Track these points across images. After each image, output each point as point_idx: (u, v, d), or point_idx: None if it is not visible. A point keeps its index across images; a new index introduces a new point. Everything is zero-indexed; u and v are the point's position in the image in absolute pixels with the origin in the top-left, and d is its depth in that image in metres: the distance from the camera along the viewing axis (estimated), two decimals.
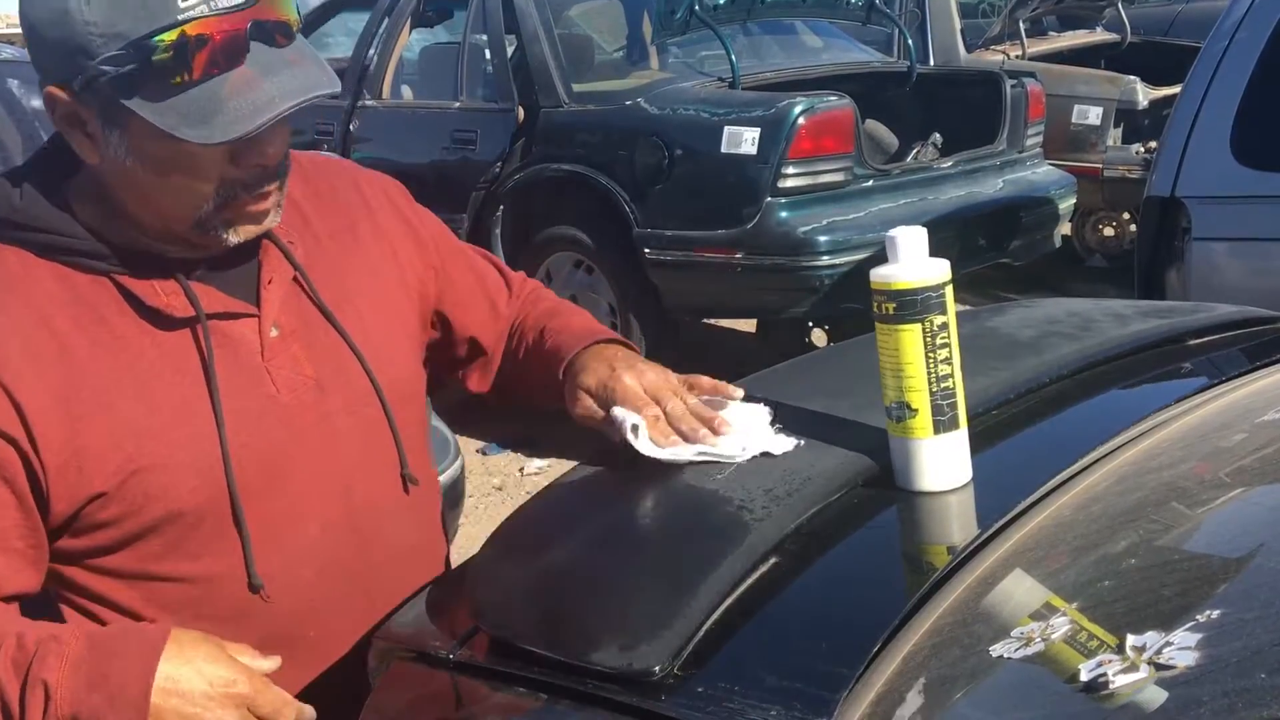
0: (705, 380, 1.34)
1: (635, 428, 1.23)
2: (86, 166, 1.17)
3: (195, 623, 1.15)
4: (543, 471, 4.44)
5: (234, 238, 1.18)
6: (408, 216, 1.42)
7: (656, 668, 0.89)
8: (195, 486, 1.17)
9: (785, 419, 1.25)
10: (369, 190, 1.40)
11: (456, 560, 1.37)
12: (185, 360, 1.19)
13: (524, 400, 1.50)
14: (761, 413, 1.25)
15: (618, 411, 1.27)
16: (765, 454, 1.19)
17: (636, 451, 1.22)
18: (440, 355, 1.46)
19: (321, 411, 1.25)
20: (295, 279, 1.26)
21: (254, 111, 1.07)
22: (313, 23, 6.52)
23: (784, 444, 1.20)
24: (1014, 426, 1.25)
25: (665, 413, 1.27)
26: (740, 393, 1.31)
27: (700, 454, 1.21)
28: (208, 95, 1.07)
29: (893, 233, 1.09)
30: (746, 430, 1.23)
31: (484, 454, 4.71)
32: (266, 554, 1.20)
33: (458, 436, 3.17)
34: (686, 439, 1.24)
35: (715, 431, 1.24)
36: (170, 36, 1.04)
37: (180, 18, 1.05)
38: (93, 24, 1.05)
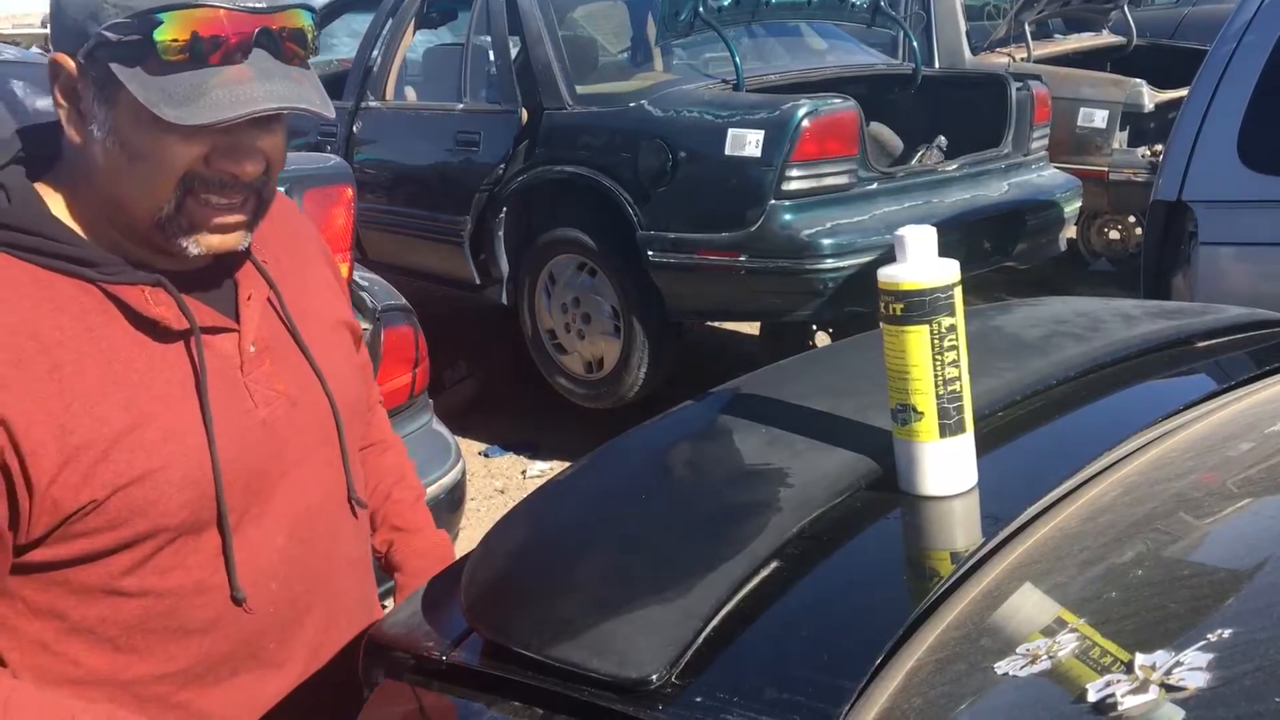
0: None
1: None
2: (60, 164, 1.17)
3: (148, 637, 1.15)
4: (544, 474, 4.43)
5: (194, 249, 1.15)
6: (330, 260, 1.45)
7: (653, 676, 0.87)
8: (185, 501, 1.15)
9: (787, 419, 1.23)
10: (307, 229, 1.44)
11: None
12: (175, 372, 1.17)
13: None
14: None
15: None
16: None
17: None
18: None
19: (293, 428, 1.25)
20: (269, 298, 1.27)
21: (233, 104, 1.07)
22: (317, 24, 6.51)
23: None
24: (1020, 429, 1.23)
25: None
26: None
27: None
28: (196, 81, 1.06)
29: (901, 232, 1.07)
30: None
31: (486, 456, 4.70)
32: (242, 566, 1.20)
33: (459, 439, 3.16)
34: None
35: None
36: (177, 16, 1.05)
37: (194, 1, 1.06)
38: None
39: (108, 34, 1.06)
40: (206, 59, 1.06)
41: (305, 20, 1.13)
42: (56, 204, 1.16)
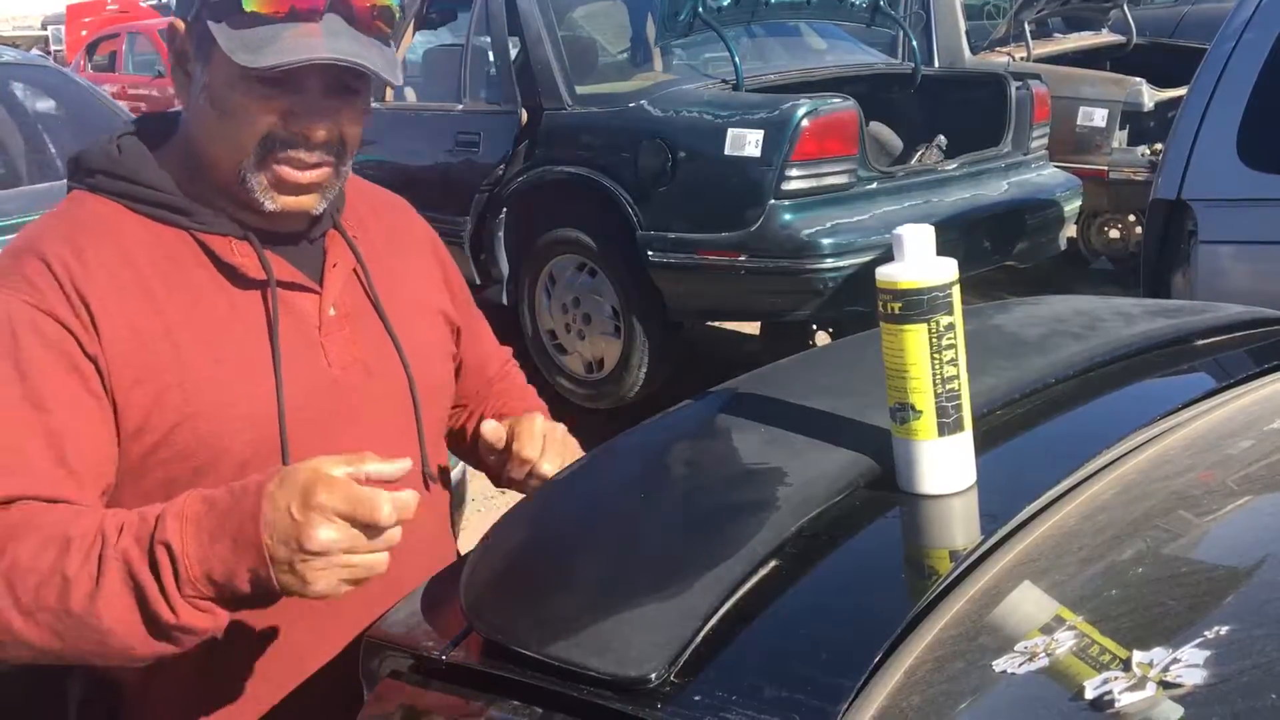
0: None
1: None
2: (175, 136, 1.31)
3: None
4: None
5: (270, 204, 1.25)
6: (445, 264, 1.54)
7: (652, 675, 0.87)
8: (248, 440, 1.24)
9: (786, 418, 1.23)
10: (418, 227, 1.54)
11: None
12: (252, 319, 1.27)
13: (466, 452, 1.60)
14: None
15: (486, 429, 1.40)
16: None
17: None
18: None
19: (366, 393, 1.33)
20: (355, 270, 1.36)
21: (294, 52, 1.17)
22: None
23: None
24: (1019, 428, 1.23)
25: (532, 466, 1.39)
26: None
27: None
28: (271, 34, 1.18)
29: (899, 230, 1.07)
30: None
31: None
32: None
33: None
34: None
35: None
36: None
37: None
38: None
39: None
40: (283, 16, 1.18)
41: None
42: (164, 163, 1.30)
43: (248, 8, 1.17)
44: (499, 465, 1.43)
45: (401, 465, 1.12)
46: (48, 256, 1.22)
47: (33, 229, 1.29)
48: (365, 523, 1.05)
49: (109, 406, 1.20)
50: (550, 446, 1.40)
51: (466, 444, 1.58)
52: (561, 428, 1.45)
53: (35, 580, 1.07)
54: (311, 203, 1.28)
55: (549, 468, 1.38)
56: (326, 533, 1.04)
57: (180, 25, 1.26)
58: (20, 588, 1.08)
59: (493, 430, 1.40)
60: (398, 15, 1.24)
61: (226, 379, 1.23)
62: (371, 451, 1.16)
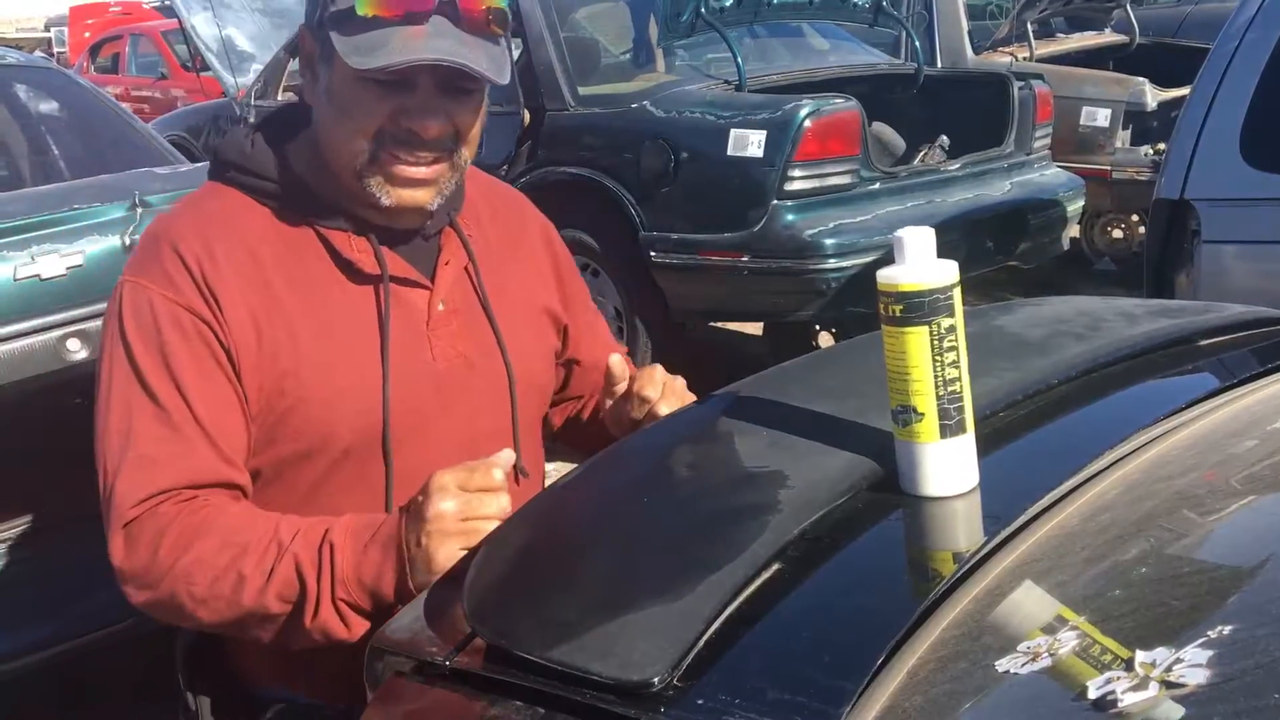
0: None
1: None
2: (305, 131, 1.38)
3: None
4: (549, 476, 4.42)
5: (385, 199, 1.32)
6: (558, 260, 1.60)
7: (655, 679, 0.87)
8: (354, 427, 1.32)
9: (788, 421, 1.23)
10: (534, 222, 1.61)
11: None
12: (364, 312, 1.34)
13: (582, 443, 1.65)
14: None
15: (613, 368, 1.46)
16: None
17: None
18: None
19: (466, 387, 1.40)
20: (466, 267, 1.43)
21: (400, 53, 1.23)
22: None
23: None
24: (1021, 429, 1.23)
25: (651, 406, 1.44)
26: None
27: None
28: (381, 38, 1.24)
29: (900, 233, 1.07)
30: None
31: None
32: (397, 501, 1.31)
33: None
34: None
35: None
36: None
37: None
38: None
39: (330, 3, 1.27)
40: (394, 19, 1.24)
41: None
42: (294, 158, 1.37)
43: (360, 11, 1.24)
44: (616, 412, 1.48)
45: (507, 456, 1.23)
46: (182, 251, 1.31)
47: (170, 218, 1.38)
48: (480, 487, 1.18)
49: (241, 392, 1.30)
50: (670, 391, 1.45)
51: (584, 428, 1.64)
52: (680, 379, 1.51)
53: (212, 574, 1.22)
54: (426, 198, 1.33)
55: (665, 409, 1.44)
56: (443, 503, 1.17)
57: (307, 35, 1.35)
58: (200, 580, 1.22)
59: (618, 363, 1.46)
60: (497, 15, 1.29)
61: (338, 368, 1.31)
62: (465, 442, 1.31)
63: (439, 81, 1.28)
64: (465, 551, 1.16)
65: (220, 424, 1.28)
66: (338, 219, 1.36)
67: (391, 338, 1.34)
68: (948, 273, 1.07)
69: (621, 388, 1.47)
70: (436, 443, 1.37)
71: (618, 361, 1.47)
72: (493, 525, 1.17)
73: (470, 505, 1.18)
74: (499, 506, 1.20)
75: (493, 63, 1.28)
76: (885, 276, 1.07)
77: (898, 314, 1.06)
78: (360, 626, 1.22)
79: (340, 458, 1.32)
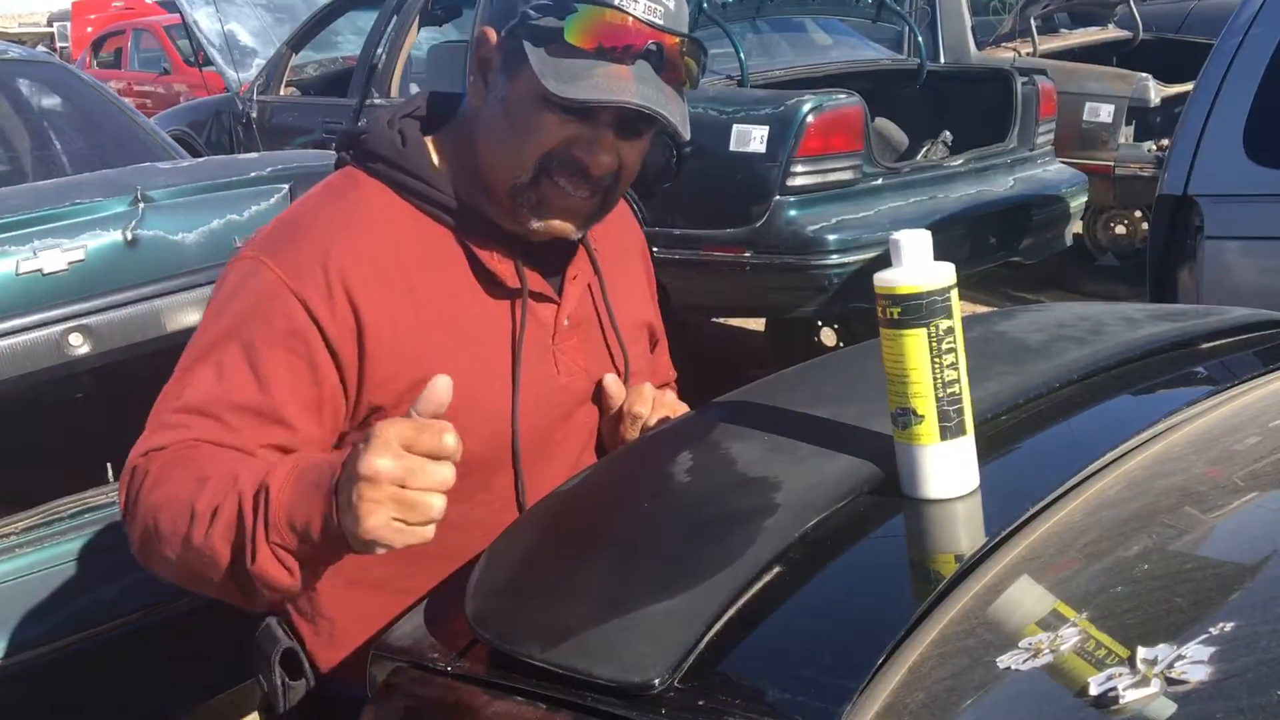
0: None
1: None
2: (451, 124, 1.37)
3: (433, 562, 1.25)
4: None
5: (536, 224, 1.30)
6: (649, 273, 1.60)
7: (656, 680, 0.88)
8: (481, 438, 1.29)
9: (788, 426, 1.23)
10: (636, 238, 1.60)
11: None
12: (499, 325, 1.34)
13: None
14: None
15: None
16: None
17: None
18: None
19: (584, 401, 1.42)
20: (590, 283, 1.43)
21: (605, 91, 1.21)
22: (321, 21, 6.52)
23: None
24: (1022, 432, 1.24)
25: (642, 421, 1.43)
26: None
27: None
28: (585, 68, 1.22)
29: (896, 236, 1.07)
30: None
31: None
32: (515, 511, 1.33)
33: None
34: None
35: None
36: (590, 11, 1.21)
37: (612, 2, 1.21)
38: None
39: (531, 12, 1.24)
40: (600, 53, 1.21)
41: (693, 51, 1.27)
42: (440, 158, 1.36)
43: (568, 39, 1.21)
44: (611, 431, 1.47)
45: (444, 384, 1.11)
46: (325, 243, 1.28)
47: (313, 203, 1.35)
48: (427, 451, 1.06)
49: (335, 401, 1.27)
50: (660, 405, 1.45)
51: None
52: (670, 393, 1.52)
53: (172, 511, 1.17)
54: (576, 229, 1.33)
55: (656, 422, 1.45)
56: (380, 459, 1.05)
57: (491, 35, 1.30)
58: (165, 516, 1.17)
59: (613, 382, 1.45)
60: (693, 71, 1.27)
61: (471, 379, 1.27)
62: (578, 452, 1.34)
63: (619, 120, 1.27)
64: (400, 524, 1.06)
65: (283, 418, 1.24)
66: (480, 227, 1.34)
67: (523, 352, 1.34)
68: (945, 275, 1.07)
69: (615, 404, 1.46)
70: (556, 457, 1.39)
71: (613, 380, 1.45)
72: (434, 500, 1.06)
73: (411, 472, 1.05)
74: (440, 478, 1.07)
75: (682, 116, 1.27)
76: (882, 279, 1.07)
77: (895, 316, 1.06)
78: (298, 575, 1.15)
79: (465, 471, 1.21)
